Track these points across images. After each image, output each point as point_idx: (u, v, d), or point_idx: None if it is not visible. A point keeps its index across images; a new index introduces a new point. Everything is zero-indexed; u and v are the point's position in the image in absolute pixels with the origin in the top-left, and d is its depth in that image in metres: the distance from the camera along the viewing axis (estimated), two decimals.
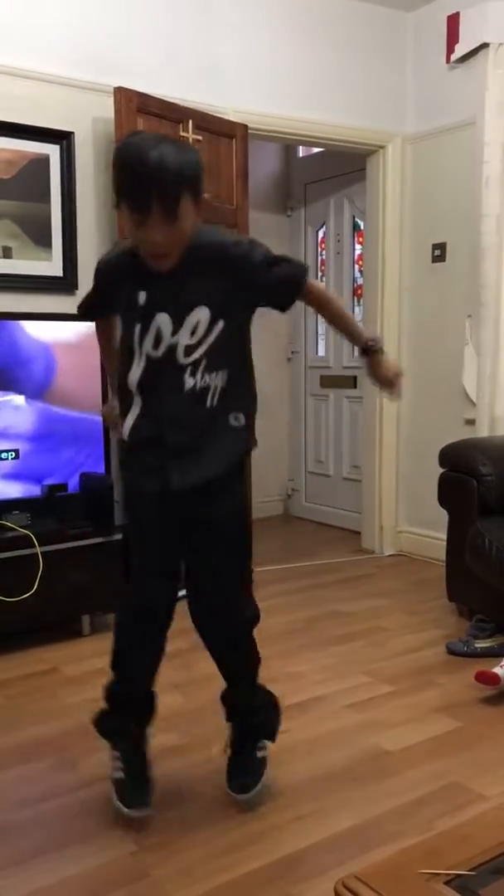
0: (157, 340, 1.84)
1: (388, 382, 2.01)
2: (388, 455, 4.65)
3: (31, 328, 3.25)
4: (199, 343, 1.84)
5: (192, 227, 1.78)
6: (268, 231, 5.32)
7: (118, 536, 3.32)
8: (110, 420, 2.20)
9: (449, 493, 3.43)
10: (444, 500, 3.47)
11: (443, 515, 3.51)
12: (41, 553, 3.04)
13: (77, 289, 3.56)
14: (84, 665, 3.01)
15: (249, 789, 2.06)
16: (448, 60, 4.22)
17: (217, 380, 1.87)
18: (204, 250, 1.83)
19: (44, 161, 3.45)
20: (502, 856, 1.26)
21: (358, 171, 4.76)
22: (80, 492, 3.32)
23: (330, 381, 5.31)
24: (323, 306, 2.00)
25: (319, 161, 5.28)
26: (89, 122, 3.56)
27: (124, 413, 1.94)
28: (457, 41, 4.14)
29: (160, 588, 2.01)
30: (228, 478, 1.95)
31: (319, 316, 2.04)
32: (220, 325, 1.85)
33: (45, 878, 1.82)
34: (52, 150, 3.47)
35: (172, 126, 3.57)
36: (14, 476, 3.24)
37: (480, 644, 3.07)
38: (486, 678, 2.68)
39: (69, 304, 3.54)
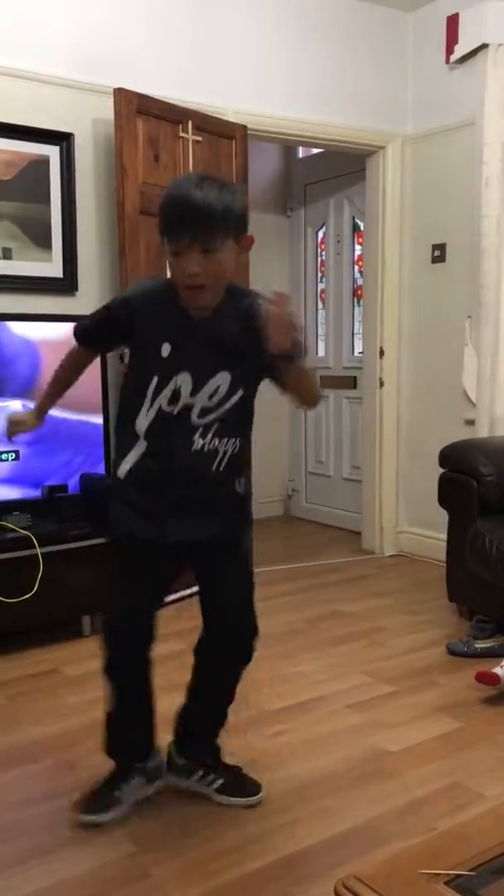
0: (175, 398, 1.82)
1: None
2: (389, 455, 4.65)
3: (31, 329, 3.25)
4: (217, 408, 1.84)
5: (231, 263, 1.77)
6: (268, 232, 5.34)
7: None
8: (11, 424, 2.13)
9: (449, 493, 3.43)
10: (444, 500, 3.47)
11: (443, 516, 3.51)
12: (41, 554, 3.04)
13: (77, 290, 3.56)
14: (84, 665, 3.01)
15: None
16: (448, 61, 4.23)
17: (228, 446, 1.87)
18: (235, 298, 1.83)
19: (44, 162, 3.46)
20: (502, 856, 1.26)
21: (358, 171, 4.76)
22: (80, 493, 3.32)
23: (330, 382, 5.31)
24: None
25: (319, 162, 5.28)
26: (89, 123, 3.56)
27: (123, 450, 1.93)
28: (456, 41, 4.14)
29: (143, 619, 2.01)
30: (229, 538, 1.97)
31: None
32: (240, 392, 1.85)
33: (45, 879, 1.82)
34: (52, 152, 3.47)
35: (172, 127, 3.57)
36: (14, 477, 3.24)
37: (480, 644, 3.07)
38: (487, 678, 2.69)
39: (69, 305, 3.54)
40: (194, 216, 1.69)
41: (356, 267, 5.13)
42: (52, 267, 3.51)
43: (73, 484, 3.33)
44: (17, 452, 3.21)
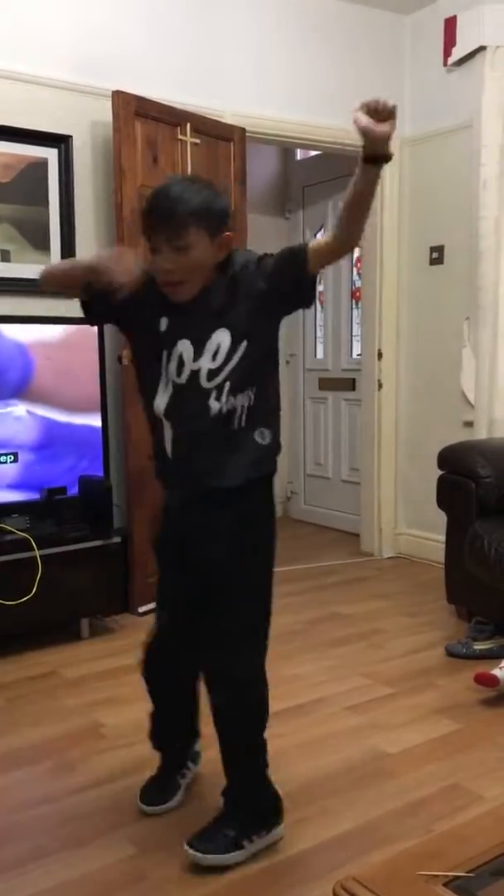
0: (180, 366, 1.83)
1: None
2: (387, 457, 4.65)
3: (30, 332, 3.25)
4: (222, 367, 1.82)
5: (206, 259, 1.77)
6: (266, 234, 5.32)
7: (117, 539, 3.34)
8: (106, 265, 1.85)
9: (447, 495, 3.44)
10: (442, 502, 3.47)
11: (442, 517, 3.51)
12: (40, 556, 3.04)
13: None
14: (83, 668, 3.02)
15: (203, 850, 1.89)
16: (445, 63, 4.23)
17: (244, 400, 1.84)
18: (226, 279, 1.83)
19: (42, 165, 3.46)
20: (501, 857, 1.26)
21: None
22: (78, 495, 3.32)
23: (328, 384, 5.31)
24: (341, 227, 1.83)
25: (317, 164, 5.28)
26: (87, 125, 3.56)
27: (157, 439, 1.93)
28: (454, 44, 4.14)
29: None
30: (248, 489, 1.89)
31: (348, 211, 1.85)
32: (243, 346, 1.83)
33: (44, 882, 1.82)
34: (51, 154, 3.47)
35: (170, 129, 3.57)
36: (13, 479, 3.24)
37: (479, 646, 3.07)
38: (486, 680, 2.68)
39: (67, 307, 3.53)
40: (163, 215, 1.72)
41: (355, 269, 5.13)
42: None
43: (72, 486, 3.33)
44: (15, 455, 3.21)
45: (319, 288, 5.41)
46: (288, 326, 5.55)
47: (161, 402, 1.87)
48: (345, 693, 2.78)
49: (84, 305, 1.99)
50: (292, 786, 2.15)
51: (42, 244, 3.49)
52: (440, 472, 3.48)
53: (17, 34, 3.38)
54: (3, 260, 3.40)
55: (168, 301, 1.82)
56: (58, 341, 3.31)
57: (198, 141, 3.67)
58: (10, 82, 3.37)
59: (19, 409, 3.22)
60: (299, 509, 5.58)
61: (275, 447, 1.92)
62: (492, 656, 2.97)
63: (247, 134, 3.92)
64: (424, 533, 4.47)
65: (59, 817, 2.07)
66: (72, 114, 3.52)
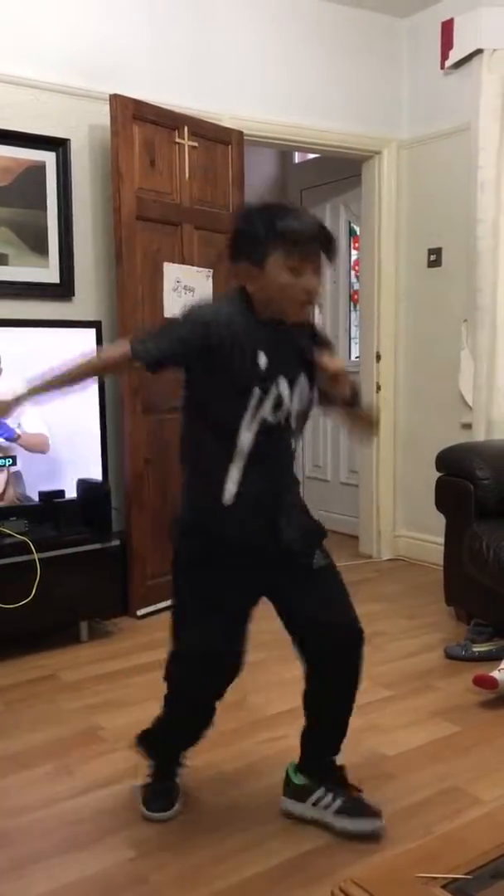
0: (277, 405, 1.84)
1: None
2: (386, 460, 4.66)
3: (29, 335, 3.25)
4: (307, 408, 1.93)
5: None
6: None
7: (115, 543, 3.34)
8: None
9: (446, 497, 3.44)
10: (441, 504, 3.47)
11: (440, 519, 3.52)
12: (39, 559, 3.04)
13: (73, 295, 3.57)
14: (82, 671, 3.02)
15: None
16: (442, 66, 4.24)
17: (299, 442, 1.98)
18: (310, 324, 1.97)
19: (40, 168, 3.46)
20: (499, 859, 1.27)
21: (353, 176, 4.77)
22: (77, 498, 3.32)
23: None
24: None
25: (315, 167, 5.29)
26: (85, 129, 3.57)
27: (218, 475, 1.86)
28: (451, 47, 4.15)
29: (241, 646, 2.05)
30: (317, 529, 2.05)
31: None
32: (315, 390, 1.93)
33: (44, 885, 1.81)
34: (49, 158, 3.48)
35: (168, 132, 3.58)
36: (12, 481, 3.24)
37: (478, 648, 3.07)
38: (485, 682, 2.68)
39: (66, 310, 3.55)
40: (328, 242, 1.83)
41: (353, 272, 5.14)
42: (48, 273, 3.52)
43: (70, 489, 3.33)
44: (13, 458, 3.21)
45: None
46: None
47: (245, 440, 1.83)
48: None
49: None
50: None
51: (40, 248, 3.49)
52: (438, 475, 3.48)
53: (16, 38, 3.38)
54: (1, 263, 3.40)
55: (263, 336, 1.83)
56: (55, 344, 3.31)
57: (196, 144, 3.67)
58: (8, 86, 3.37)
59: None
60: None
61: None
62: (491, 658, 2.96)
63: (245, 137, 3.92)
64: (423, 535, 4.48)
65: (58, 820, 2.07)
66: (70, 117, 3.52)
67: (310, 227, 1.81)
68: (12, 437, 3.19)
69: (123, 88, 3.47)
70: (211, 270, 3.74)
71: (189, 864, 1.87)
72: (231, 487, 1.85)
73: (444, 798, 2.14)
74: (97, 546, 3.28)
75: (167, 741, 2.14)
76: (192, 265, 3.70)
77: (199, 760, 2.31)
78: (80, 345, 3.33)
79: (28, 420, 3.22)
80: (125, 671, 2.99)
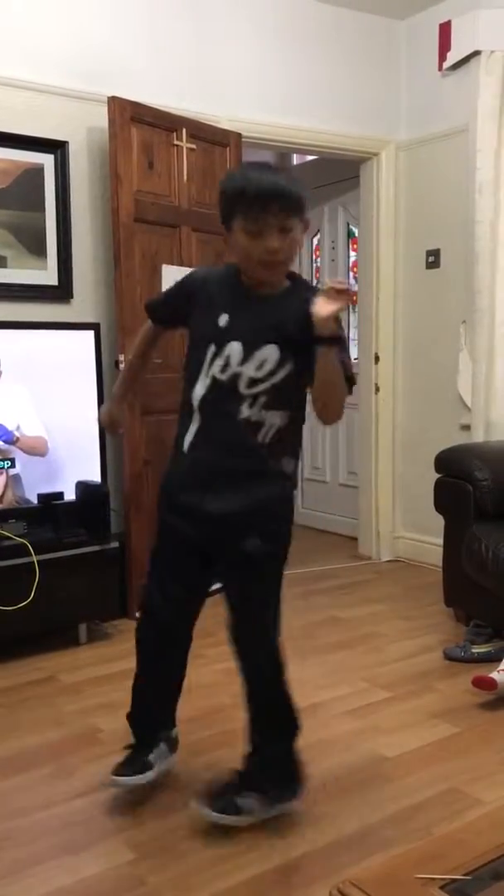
0: (226, 366, 1.91)
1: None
2: (385, 461, 4.66)
3: (27, 337, 3.25)
4: (264, 379, 1.89)
5: (299, 246, 1.91)
6: None
7: (114, 545, 3.34)
8: (107, 424, 2.32)
9: (445, 498, 3.44)
10: (440, 505, 3.47)
11: (439, 521, 3.52)
12: (38, 562, 3.04)
13: (72, 297, 3.57)
14: (81, 673, 3.02)
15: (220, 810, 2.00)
16: (440, 68, 4.25)
17: (275, 419, 1.92)
18: (299, 288, 1.94)
19: (38, 170, 3.46)
20: (498, 860, 1.26)
21: (352, 178, 4.77)
22: (76, 500, 3.31)
23: None
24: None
25: (313, 169, 5.29)
26: (84, 131, 3.57)
27: (183, 426, 1.99)
28: (449, 49, 4.16)
29: (175, 601, 2.07)
30: (264, 515, 1.98)
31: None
32: (289, 366, 1.90)
33: (42, 887, 1.81)
34: (47, 160, 3.48)
35: (166, 135, 3.58)
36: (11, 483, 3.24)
37: (478, 649, 3.07)
38: (484, 683, 2.68)
39: (64, 313, 3.55)
40: (279, 199, 1.81)
41: (351, 273, 5.14)
42: (46, 275, 3.52)
43: (69, 491, 3.33)
44: (12, 460, 3.21)
45: None
46: None
47: (199, 392, 1.94)
48: (343, 697, 2.78)
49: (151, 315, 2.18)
50: None
51: (38, 250, 3.49)
52: (437, 476, 3.48)
53: (14, 40, 3.39)
54: (0, 266, 3.40)
55: (232, 299, 1.92)
56: (55, 346, 3.31)
57: (194, 146, 3.68)
58: (6, 88, 3.37)
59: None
60: (297, 513, 5.51)
61: (294, 477, 2.03)
62: (490, 659, 2.96)
63: (243, 139, 3.92)
64: (422, 536, 4.48)
65: (56, 822, 2.07)
66: (68, 120, 3.53)
67: (267, 185, 1.80)
68: (11, 440, 3.19)
69: (122, 91, 3.47)
70: None
71: (187, 866, 1.87)
72: (188, 439, 1.97)
73: (444, 799, 2.14)
74: (96, 548, 3.27)
75: (133, 699, 2.19)
76: (191, 267, 3.70)
77: (198, 761, 2.31)
78: (78, 347, 3.35)
79: (27, 423, 3.22)
80: (124, 673, 2.97)
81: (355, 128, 4.38)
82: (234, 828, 1.99)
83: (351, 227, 5.10)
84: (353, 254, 5.10)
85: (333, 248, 5.23)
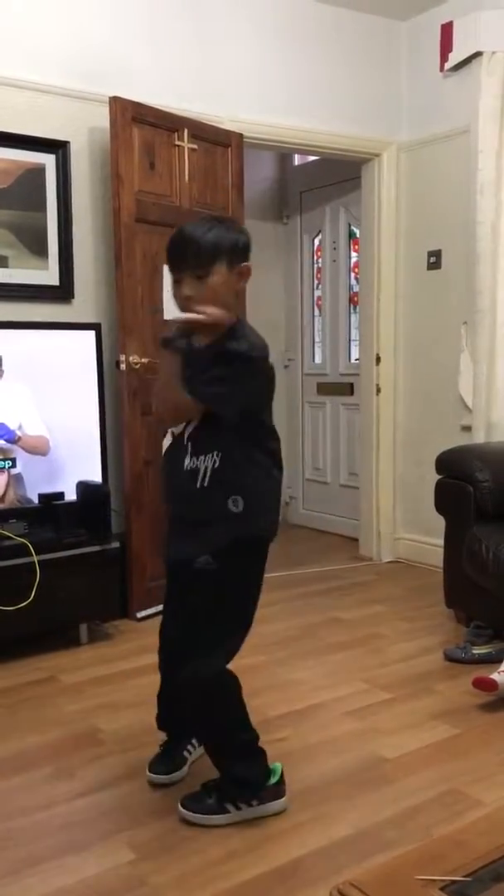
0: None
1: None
2: (386, 462, 4.66)
3: (28, 337, 3.25)
4: (186, 426, 2.00)
5: (223, 290, 1.91)
6: (264, 239, 5.34)
7: (115, 545, 3.34)
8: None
9: (446, 499, 3.44)
10: (441, 506, 3.47)
11: (440, 522, 3.52)
12: (38, 562, 3.04)
13: (73, 297, 3.57)
14: (82, 673, 3.01)
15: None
16: (442, 69, 4.25)
17: (207, 462, 1.95)
18: (224, 337, 1.89)
19: (40, 170, 3.46)
20: (499, 861, 1.26)
21: (353, 178, 4.77)
22: (77, 501, 3.31)
23: (327, 389, 5.31)
24: None
25: (315, 169, 5.30)
26: (85, 131, 3.57)
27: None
28: (450, 50, 4.16)
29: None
30: (213, 560, 1.97)
31: None
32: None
33: (42, 887, 1.81)
34: (48, 160, 3.48)
35: (168, 135, 3.58)
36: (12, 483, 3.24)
37: (478, 650, 3.06)
38: (484, 684, 2.68)
39: (65, 313, 3.55)
40: (186, 247, 1.89)
41: (352, 274, 5.14)
42: (48, 275, 3.52)
43: (70, 491, 3.33)
44: (13, 460, 3.21)
45: (317, 293, 5.43)
46: (286, 331, 5.57)
47: (165, 444, 2.09)
48: (343, 698, 2.78)
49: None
50: (291, 791, 2.14)
51: (40, 250, 3.49)
52: (438, 477, 3.48)
53: (16, 41, 3.39)
54: (1, 266, 3.40)
55: (188, 352, 1.95)
56: (56, 346, 3.31)
57: (195, 147, 3.68)
58: (7, 88, 3.38)
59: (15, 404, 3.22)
60: (298, 514, 5.57)
61: (251, 516, 1.97)
62: (490, 660, 2.96)
63: (244, 139, 3.92)
64: (423, 537, 4.48)
65: (57, 823, 2.07)
66: (69, 120, 3.53)
67: (179, 236, 1.91)
68: (13, 440, 3.19)
69: (123, 91, 3.47)
70: None
71: (188, 867, 1.87)
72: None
73: (444, 800, 2.14)
74: (97, 548, 3.27)
75: (157, 700, 2.32)
76: None
77: (198, 763, 2.31)
78: (79, 347, 3.35)
79: (28, 422, 3.22)
80: (125, 673, 2.99)
81: (357, 128, 4.38)
82: (237, 829, 2.00)
83: (352, 227, 5.10)
84: (354, 254, 5.10)
85: (335, 248, 5.23)
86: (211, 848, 1.94)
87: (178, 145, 3.62)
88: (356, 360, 5.03)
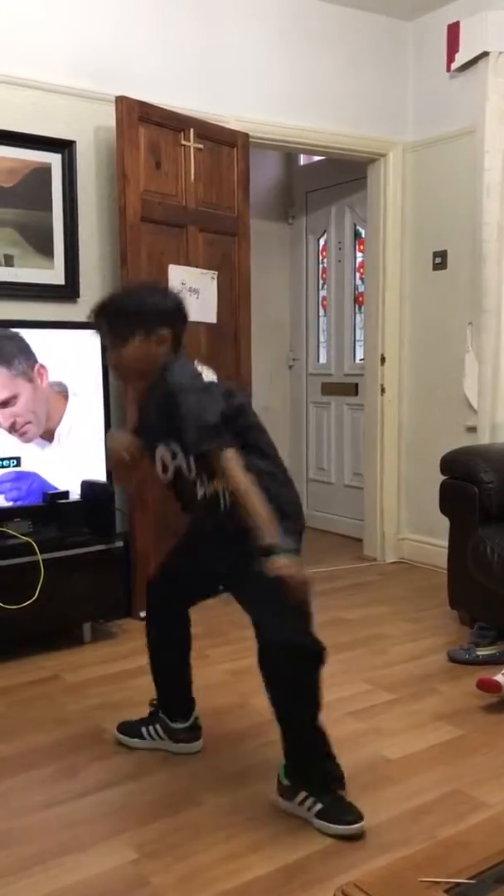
0: (164, 468, 2.09)
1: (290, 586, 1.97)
2: (390, 462, 4.65)
3: (34, 336, 3.25)
4: (189, 461, 2.02)
5: (138, 356, 2.01)
6: (269, 239, 5.35)
7: (119, 544, 3.34)
8: (114, 459, 2.22)
9: (450, 500, 3.43)
10: (445, 507, 3.47)
11: (444, 522, 3.51)
12: (42, 560, 3.04)
13: (79, 297, 3.57)
14: (85, 672, 3.02)
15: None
16: (448, 69, 4.24)
17: (220, 483, 1.99)
18: (162, 388, 1.98)
19: (46, 170, 3.47)
20: (503, 864, 1.26)
21: (359, 179, 4.77)
22: (81, 499, 3.32)
23: (331, 389, 5.31)
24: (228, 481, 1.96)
25: (320, 169, 5.29)
26: (91, 131, 3.57)
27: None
28: (457, 50, 4.15)
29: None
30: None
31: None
32: (180, 458, 2.03)
33: (45, 886, 1.81)
34: (54, 159, 3.48)
35: (174, 135, 3.58)
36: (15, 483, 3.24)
37: (482, 651, 3.06)
38: (488, 686, 2.68)
39: (71, 312, 3.55)
40: (101, 319, 2.07)
41: (357, 274, 5.14)
42: (53, 274, 3.52)
43: (74, 490, 3.33)
44: (18, 459, 3.21)
45: (322, 293, 5.43)
46: (290, 331, 5.56)
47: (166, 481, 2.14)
48: (347, 699, 2.77)
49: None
50: None
51: (45, 249, 3.50)
52: (443, 478, 3.48)
53: (22, 40, 3.39)
54: (7, 265, 3.40)
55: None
56: (60, 346, 3.32)
57: (201, 146, 3.68)
58: (14, 88, 3.38)
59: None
60: None
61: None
62: (494, 662, 2.96)
63: (250, 139, 3.92)
64: (427, 538, 4.47)
65: (60, 822, 2.07)
66: (76, 119, 3.53)
67: (96, 307, 2.07)
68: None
69: (129, 90, 3.47)
70: (216, 272, 3.75)
71: (191, 867, 1.87)
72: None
73: (448, 802, 2.13)
74: (101, 547, 3.28)
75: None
76: (197, 267, 3.70)
77: (201, 763, 2.31)
78: (85, 346, 3.35)
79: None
80: (128, 673, 2.99)
81: (363, 128, 4.37)
82: (241, 829, 1.99)
83: (358, 227, 5.10)
84: (359, 255, 5.10)
85: (340, 248, 5.23)
86: (213, 848, 1.94)
87: (184, 145, 3.62)
88: (361, 360, 5.02)
